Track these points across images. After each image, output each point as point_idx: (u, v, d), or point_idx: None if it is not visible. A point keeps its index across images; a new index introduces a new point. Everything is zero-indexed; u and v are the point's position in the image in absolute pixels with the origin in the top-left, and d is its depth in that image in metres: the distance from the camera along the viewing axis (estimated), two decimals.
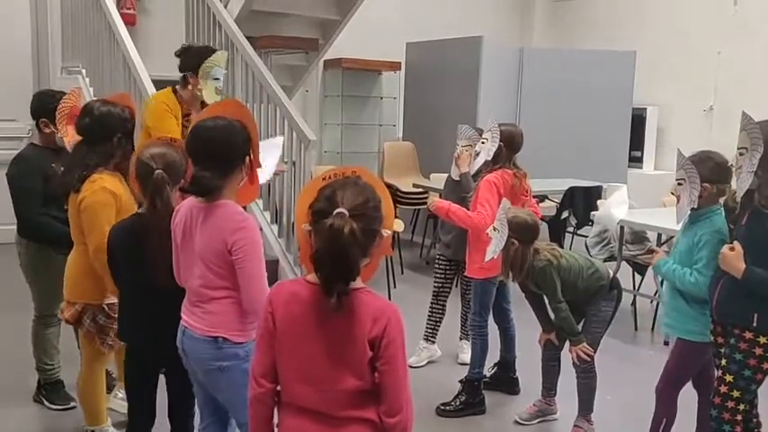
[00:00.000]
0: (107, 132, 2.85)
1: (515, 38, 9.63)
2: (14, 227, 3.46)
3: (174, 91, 4.12)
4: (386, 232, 1.76)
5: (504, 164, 3.73)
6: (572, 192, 6.54)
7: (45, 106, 3.38)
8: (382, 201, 1.77)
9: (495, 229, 3.26)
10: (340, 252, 1.62)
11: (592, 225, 5.92)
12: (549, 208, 6.96)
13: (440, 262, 4.32)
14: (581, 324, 3.37)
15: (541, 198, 7.48)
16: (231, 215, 2.24)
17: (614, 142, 7.98)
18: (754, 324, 2.54)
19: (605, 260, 5.35)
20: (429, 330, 4.41)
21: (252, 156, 2.34)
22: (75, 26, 6.26)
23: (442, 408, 3.75)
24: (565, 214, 6.59)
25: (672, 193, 2.94)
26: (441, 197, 4.19)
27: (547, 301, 3.42)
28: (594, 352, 3.35)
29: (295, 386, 1.77)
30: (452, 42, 7.54)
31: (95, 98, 3.07)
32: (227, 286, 2.24)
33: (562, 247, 6.71)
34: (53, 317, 3.41)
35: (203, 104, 4.14)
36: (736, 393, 2.60)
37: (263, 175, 3.35)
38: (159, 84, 5.96)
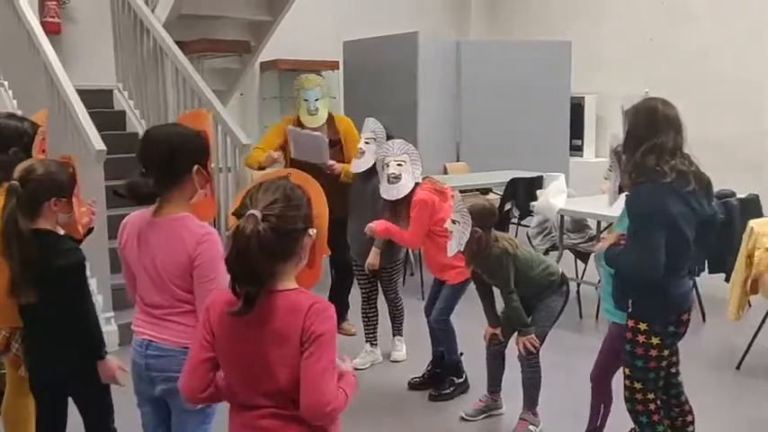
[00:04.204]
0: (1, 145, 2.77)
1: (453, 32, 9.64)
2: None
3: None
4: (312, 232, 1.71)
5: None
6: (514, 183, 6.55)
7: None
8: (308, 200, 1.72)
9: (453, 221, 3.24)
10: (243, 254, 1.58)
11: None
12: (493, 200, 6.98)
13: (358, 267, 4.30)
14: (529, 318, 3.36)
15: (486, 191, 7.52)
16: (193, 228, 2.16)
17: (555, 132, 8.05)
18: (630, 309, 2.56)
19: (547, 250, 5.39)
20: (370, 334, 4.38)
21: (207, 169, 2.24)
22: None
23: (434, 395, 3.87)
24: (508, 206, 6.61)
25: (605, 179, 2.95)
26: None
27: (498, 292, 3.41)
28: (540, 345, 3.35)
29: (240, 389, 1.73)
30: (388, 39, 7.49)
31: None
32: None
33: None
34: None
35: (329, 122, 4.51)
36: (638, 385, 2.61)
37: None
38: (86, 93, 5.81)
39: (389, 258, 4.13)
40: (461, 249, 3.21)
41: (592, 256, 5.02)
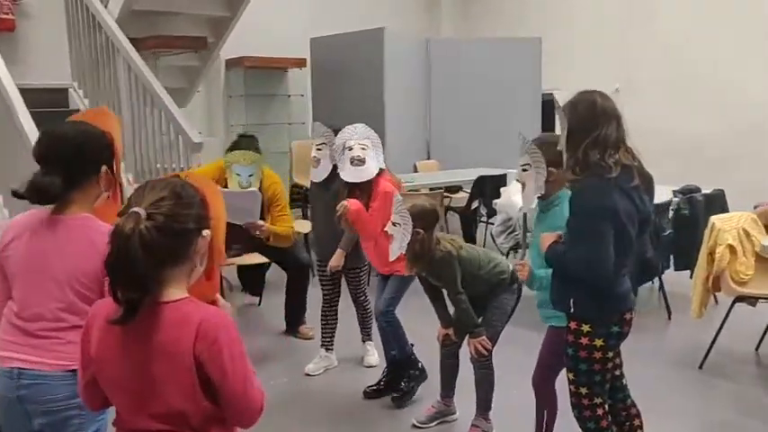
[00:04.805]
0: None
1: (424, 29, 9.53)
2: None
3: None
4: (206, 233, 1.55)
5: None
6: (481, 181, 6.43)
7: None
8: (201, 199, 1.57)
9: (394, 224, 3.11)
10: (122, 256, 1.43)
11: None
12: (463, 199, 6.88)
13: (321, 268, 4.14)
14: (481, 318, 3.25)
15: (456, 189, 7.41)
16: (102, 230, 1.96)
17: (526, 128, 7.84)
18: (572, 310, 2.44)
19: (511, 248, 5.27)
20: (327, 339, 4.23)
21: (113, 170, 2.10)
22: None
23: (396, 396, 3.71)
24: (475, 204, 6.50)
25: (516, 180, 2.85)
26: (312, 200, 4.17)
27: (446, 293, 3.29)
28: (493, 346, 3.23)
29: (125, 412, 1.57)
30: (355, 36, 7.37)
31: None
32: None
33: (475, 238, 6.68)
34: None
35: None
36: (583, 390, 2.48)
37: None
38: (41, 92, 5.65)
39: (356, 260, 3.99)
40: (403, 252, 3.09)
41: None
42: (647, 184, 2.44)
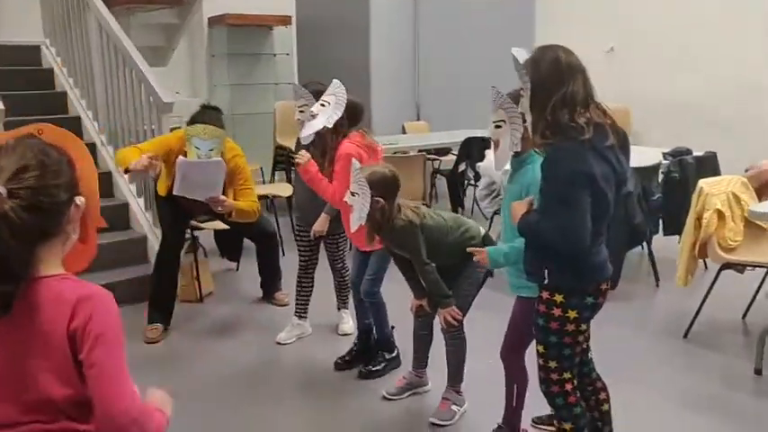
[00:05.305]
0: None
1: None
2: None
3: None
4: (80, 200, 1.38)
5: (348, 129, 3.49)
6: (468, 143, 6.25)
7: None
8: (68, 161, 1.38)
9: (353, 193, 2.93)
10: None
11: None
12: (452, 161, 6.70)
13: (300, 233, 3.98)
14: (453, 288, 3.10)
15: (444, 151, 7.23)
16: None
17: (518, 87, 7.71)
18: (546, 281, 2.29)
19: (495, 212, 5.12)
20: (301, 306, 4.09)
21: None
22: None
23: (364, 372, 3.59)
24: (462, 167, 6.32)
25: (489, 139, 2.67)
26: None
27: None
28: (464, 315, 3.09)
29: None
30: None
31: None
32: None
33: (463, 202, 6.53)
34: None
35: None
36: (552, 363, 2.34)
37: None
38: (12, 50, 5.45)
39: (336, 227, 3.83)
40: (363, 222, 2.92)
41: None
42: (622, 141, 2.27)
